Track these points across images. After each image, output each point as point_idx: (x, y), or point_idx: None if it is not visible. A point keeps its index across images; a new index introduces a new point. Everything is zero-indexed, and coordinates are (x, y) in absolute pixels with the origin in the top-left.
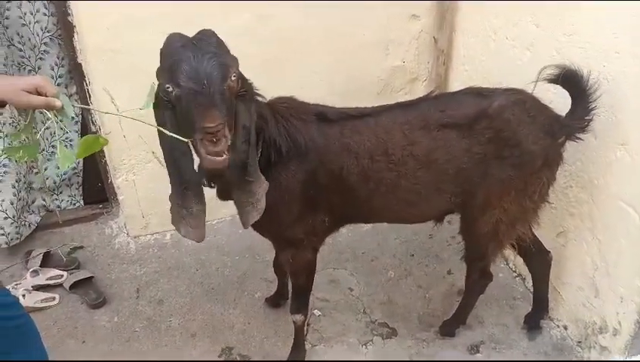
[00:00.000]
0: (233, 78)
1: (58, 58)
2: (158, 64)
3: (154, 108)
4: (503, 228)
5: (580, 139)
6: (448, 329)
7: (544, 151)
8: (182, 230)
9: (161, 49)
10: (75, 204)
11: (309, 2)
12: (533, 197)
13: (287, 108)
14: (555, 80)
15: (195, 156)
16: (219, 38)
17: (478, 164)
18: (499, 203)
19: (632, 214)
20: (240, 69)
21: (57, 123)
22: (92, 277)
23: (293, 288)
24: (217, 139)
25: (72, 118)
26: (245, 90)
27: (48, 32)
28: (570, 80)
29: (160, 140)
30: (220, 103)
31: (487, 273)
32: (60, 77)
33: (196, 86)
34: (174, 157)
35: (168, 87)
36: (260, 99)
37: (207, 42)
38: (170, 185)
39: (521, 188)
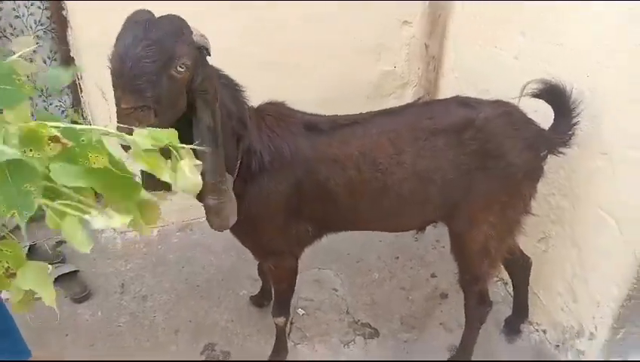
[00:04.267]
0: (179, 69)
1: (51, 52)
2: None
3: None
4: (493, 243)
5: (561, 153)
6: None
7: (527, 164)
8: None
9: None
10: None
11: (304, 6)
12: (517, 209)
13: (274, 117)
14: (539, 95)
15: None
16: (180, 25)
17: (464, 175)
18: (486, 217)
19: (610, 222)
20: (208, 69)
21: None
22: (77, 271)
23: (275, 293)
24: (131, 122)
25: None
26: (205, 91)
27: (41, 25)
28: (553, 95)
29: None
30: (143, 88)
31: (486, 299)
32: None
33: (119, 67)
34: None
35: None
36: (243, 104)
37: (159, 26)
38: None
39: (505, 201)
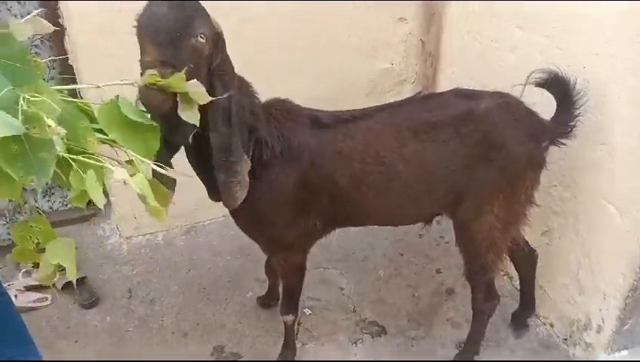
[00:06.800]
0: (200, 39)
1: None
2: None
3: None
4: (497, 234)
5: (562, 144)
6: None
7: (528, 154)
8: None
9: None
10: (67, 205)
11: (298, 4)
12: (520, 200)
13: (280, 111)
14: (543, 84)
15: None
16: (198, 5)
17: (466, 166)
18: (489, 207)
19: (613, 212)
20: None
21: None
22: (84, 277)
23: (284, 289)
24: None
25: None
26: (223, 71)
27: (39, 34)
28: (557, 85)
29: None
30: (166, 45)
31: (493, 292)
32: (51, 79)
33: (147, 23)
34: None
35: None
36: (255, 97)
37: (181, 2)
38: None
39: (508, 192)
